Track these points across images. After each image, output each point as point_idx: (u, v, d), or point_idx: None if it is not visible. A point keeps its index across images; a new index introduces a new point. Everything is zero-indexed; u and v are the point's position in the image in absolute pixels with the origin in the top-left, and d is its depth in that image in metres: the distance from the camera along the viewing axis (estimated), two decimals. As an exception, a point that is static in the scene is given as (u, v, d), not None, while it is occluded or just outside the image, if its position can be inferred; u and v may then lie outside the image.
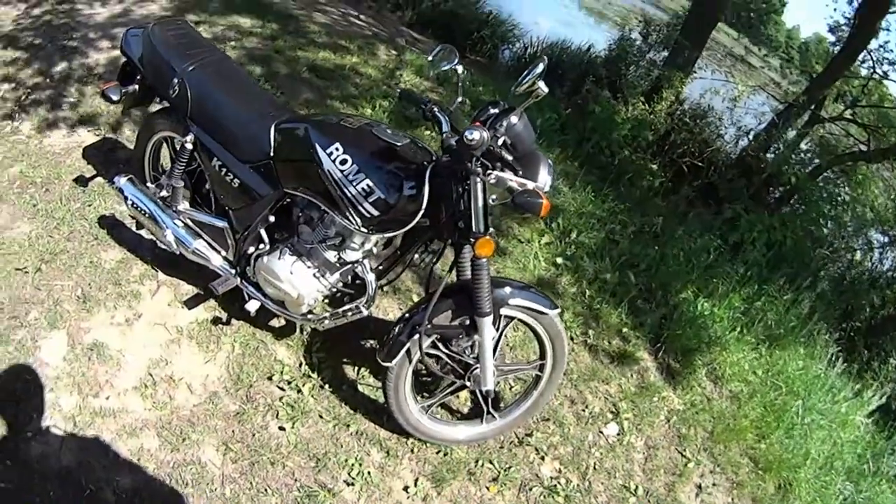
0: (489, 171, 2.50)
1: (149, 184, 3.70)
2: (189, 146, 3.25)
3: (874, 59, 10.16)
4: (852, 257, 8.67)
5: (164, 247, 3.51)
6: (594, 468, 3.56)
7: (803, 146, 9.80)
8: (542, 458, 3.47)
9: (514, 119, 2.50)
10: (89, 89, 5.08)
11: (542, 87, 2.31)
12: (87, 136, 4.65)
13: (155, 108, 3.70)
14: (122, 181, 3.49)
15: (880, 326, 7.84)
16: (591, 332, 4.39)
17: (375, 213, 2.70)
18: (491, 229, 2.63)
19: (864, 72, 10.70)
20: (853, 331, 7.26)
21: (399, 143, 2.68)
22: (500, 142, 2.51)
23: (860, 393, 5.23)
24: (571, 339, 4.26)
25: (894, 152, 9.14)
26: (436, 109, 2.79)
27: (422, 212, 2.64)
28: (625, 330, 4.53)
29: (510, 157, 2.49)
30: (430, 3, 10.29)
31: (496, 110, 2.59)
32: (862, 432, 4.85)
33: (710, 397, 4.40)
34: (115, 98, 3.47)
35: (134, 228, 3.90)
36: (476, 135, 2.35)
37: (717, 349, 4.70)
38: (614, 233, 5.53)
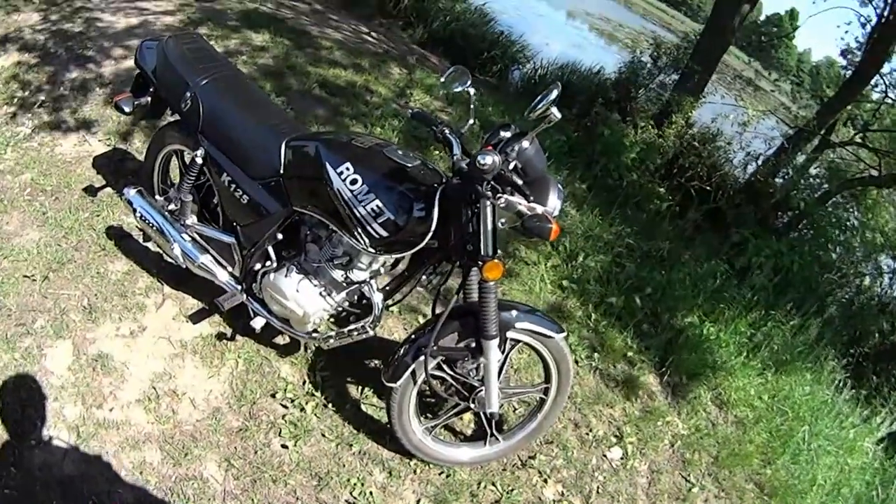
0: (499, 195, 2.49)
1: (157, 196, 3.71)
2: (199, 160, 3.25)
3: (886, 82, 10.12)
4: (861, 282, 8.62)
5: (170, 260, 3.52)
6: (597, 492, 3.54)
7: (813, 171, 9.76)
8: (545, 481, 3.45)
9: (525, 144, 2.48)
10: (101, 99, 5.10)
11: (556, 113, 2.31)
12: (97, 146, 4.66)
13: (166, 120, 3.70)
14: (131, 193, 3.50)
15: (890, 352, 7.78)
16: (597, 356, 4.37)
17: (384, 233, 2.70)
18: (499, 252, 2.63)
19: (876, 95, 10.68)
20: (862, 356, 7.21)
21: (410, 165, 2.69)
22: (511, 166, 2.50)
23: (869, 419, 5.21)
24: (576, 362, 4.24)
25: (906, 178, 9.10)
26: (447, 131, 2.80)
27: (431, 234, 2.63)
28: (630, 354, 4.52)
29: (520, 182, 2.48)
30: (441, 22, 10.32)
31: (507, 134, 2.58)
32: (870, 458, 4.82)
33: (714, 422, 4.38)
34: (127, 109, 3.50)
35: (141, 240, 3.91)
36: (489, 160, 2.35)
37: (723, 374, 4.68)
38: (621, 256, 5.52)
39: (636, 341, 4.65)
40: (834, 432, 4.71)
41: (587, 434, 3.81)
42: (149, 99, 3.57)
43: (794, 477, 4.18)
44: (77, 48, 5.67)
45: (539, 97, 2.39)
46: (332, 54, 6.89)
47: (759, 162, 9.22)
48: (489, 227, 2.54)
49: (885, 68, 10.06)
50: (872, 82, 10.14)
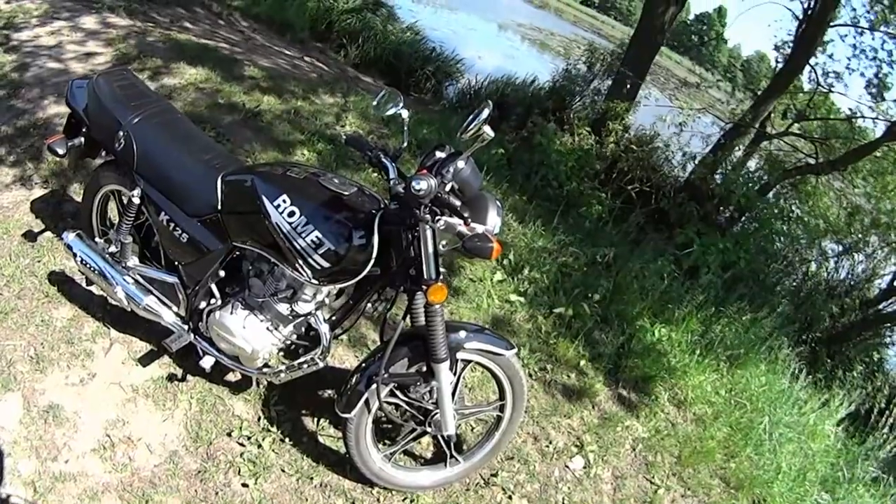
0: (438, 218, 2.50)
1: (97, 239, 3.64)
2: (136, 200, 3.20)
3: (818, 73, 10.35)
4: (807, 269, 8.79)
5: (115, 303, 3.45)
6: (563, 503, 3.54)
7: (752, 164, 9.94)
8: (510, 498, 3.45)
9: (460, 164, 2.48)
10: (37, 142, 4.99)
11: (489, 132, 2.31)
12: (35, 190, 4.56)
13: (102, 160, 3.64)
14: (70, 237, 3.44)
15: (842, 335, 7.94)
16: (550, 367, 4.39)
17: (326, 264, 2.68)
18: (443, 271, 2.63)
19: (809, 86, 10.90)
20: (815, 342, 7.34)
21: (346, 192, 2.68)
22: (447, 187, 2.49)
23: (827, 403, 5.32)
24: (530, 375, 4.27)
25: (843, 163, 9.29)
26: (381, 156, 2.80)
27: (372, 261, 2.63)
28: (583, 363, 4.53)
29: (458, 203, 2.47)
30: (373, 43, 10.42)
31: (442, 154, 2.59)
32: (833, 441, 4.93)
33: (674, 422, 4.42)
34: (60, 152, 3.44)
35: (84, 284, 3.83)
36: (423, 184, 2.35)
37: (678, 374, 4.74)
38: (566, 265, 5.52)
39: (588, 349, 4.66)
40: (794, 419, 4.80)
41: (547, 446, 3.82)
42: (82, 139, 3.50)
43: (759, 467, 4.25)
44: (8, 92, 5.57)
45: (471, 117, 2.38)
46: (265, 82, 6.85)
47: (697, 160, 9.35)
48: (430, 250, 2.54)
49: (820, 58, 10.31)
50: (806, 74, 10.38)
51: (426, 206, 2.46)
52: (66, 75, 5.82)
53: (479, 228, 2.51)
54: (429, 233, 2.52)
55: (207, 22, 9.06)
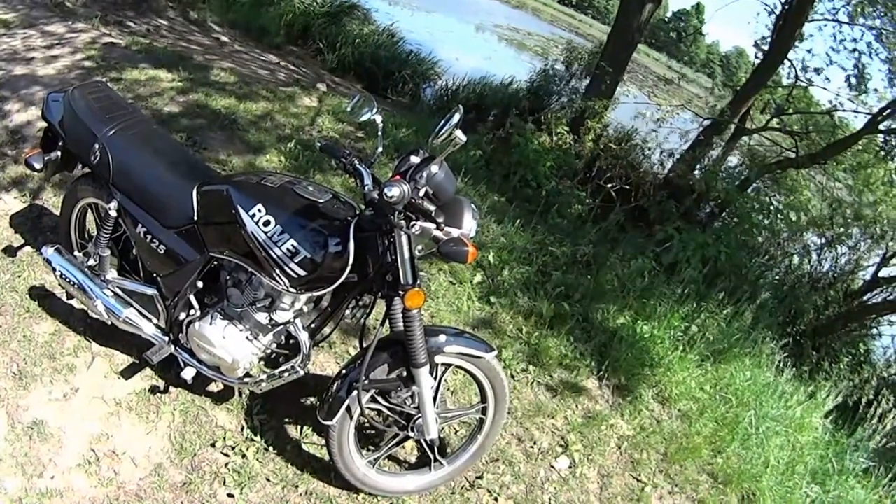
0: (413, 223, 2.51)
1: (76, 252, 3.63)
2: (113, 213, 3.19)
3: (797, 67, 10.38)
4: (790, 263, 8.82)
5: (96, 316, 3.44)
6: (550, 503, 3.55)
7: (732, 160, 9.97)
8: (496, 499, 3.45)
9: (434, 169, 2.48)
10: (14, 155, 4.97)
11: (460, 136, 2.32)
12: (13, 204, 4.54)
13: (79, 173, 3.62)
14: (49, 251, 3.42)
15: (827, 327, 7.97)
16: (532, 368, 4.40)
17: (302, 272, 2.68)
18: (422, 275, 2.63)
19: (789, 81, 10.94)
20: (799, 335, 7.37)
21: (321, 200, 2.69)
22: (421, 193, 2.50)
23: (814, 395, 5.35)
24: (512, 376, 4.27)
25: (823, 156, 9.33)
26: (356, 162, 2.79)
27: (348, 268, 2.63)
28: (565, 362, 4.55)
29: (432, 208, 2.48)
30: (350, 46, 10.44)
31: (417, 159, 2.59)
32: (821, 433, 4.95)
33: (659, 419, 4.44)
34: (37, 166, 3.41)
35: (65, 299, 3.80)
36: (396, 190, 2.35)
37: (662, 370, 4.75)
38: (546, 265, 5.55)
39: (570, 348, 4.69)
40: (780, 413, 4.82)
41: (532, 447, 3.83)
42: (59, 153, 3.48)
43: (747, 462, 4.27)
44: (-17, 107, 5.54)
45: (442, 122, 2.40)
46: (241, 88, 6.86)
47: (676, 157, 9.37)
48: (406, 256, 2.55)
49: (800, 53, 10.35)
50: (785, 68, 10.41)
51: (400, 211, 2.47)
52: (41, 86, 5.79)
53: (455, 232, 2.53)
54: (404, 238, 2.53)
55: (183, 30, 9.06)
